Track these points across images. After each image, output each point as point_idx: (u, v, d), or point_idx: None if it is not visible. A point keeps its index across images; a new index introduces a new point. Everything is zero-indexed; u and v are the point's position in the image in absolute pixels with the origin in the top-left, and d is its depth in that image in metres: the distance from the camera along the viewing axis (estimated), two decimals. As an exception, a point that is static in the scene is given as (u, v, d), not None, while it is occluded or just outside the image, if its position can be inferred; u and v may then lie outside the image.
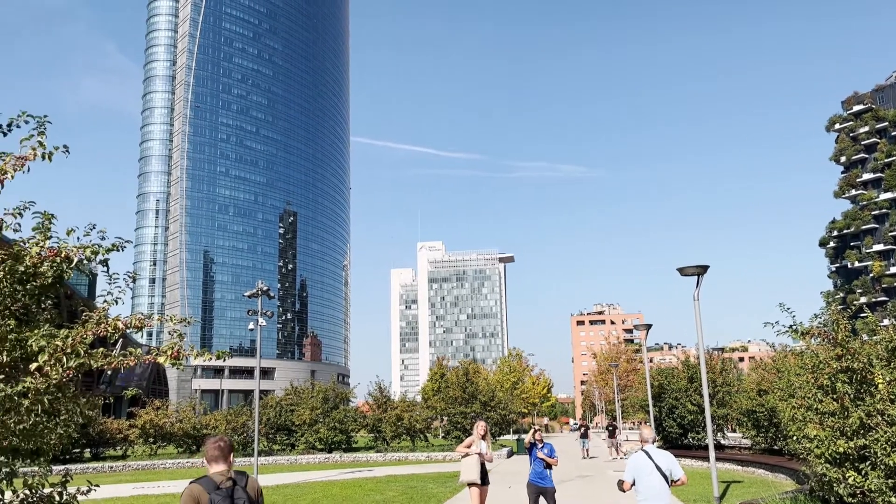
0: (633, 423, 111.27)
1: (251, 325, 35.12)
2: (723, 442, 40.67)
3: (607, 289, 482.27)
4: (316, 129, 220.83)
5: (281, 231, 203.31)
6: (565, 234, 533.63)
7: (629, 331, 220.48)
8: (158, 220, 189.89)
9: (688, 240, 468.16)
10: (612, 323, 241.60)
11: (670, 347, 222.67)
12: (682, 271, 17.98)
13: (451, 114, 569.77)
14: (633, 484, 9.61)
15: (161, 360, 6.81)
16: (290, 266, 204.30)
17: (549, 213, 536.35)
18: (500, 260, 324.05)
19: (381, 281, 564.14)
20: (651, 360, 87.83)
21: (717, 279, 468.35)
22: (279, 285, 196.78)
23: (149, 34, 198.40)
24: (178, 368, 7.20)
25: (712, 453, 18.45)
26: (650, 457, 9.58)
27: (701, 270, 17.77)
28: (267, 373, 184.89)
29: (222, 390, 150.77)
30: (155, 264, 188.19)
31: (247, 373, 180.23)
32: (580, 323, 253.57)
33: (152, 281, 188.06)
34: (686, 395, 37.71)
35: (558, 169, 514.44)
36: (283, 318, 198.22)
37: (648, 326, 33.65)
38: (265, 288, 29.62)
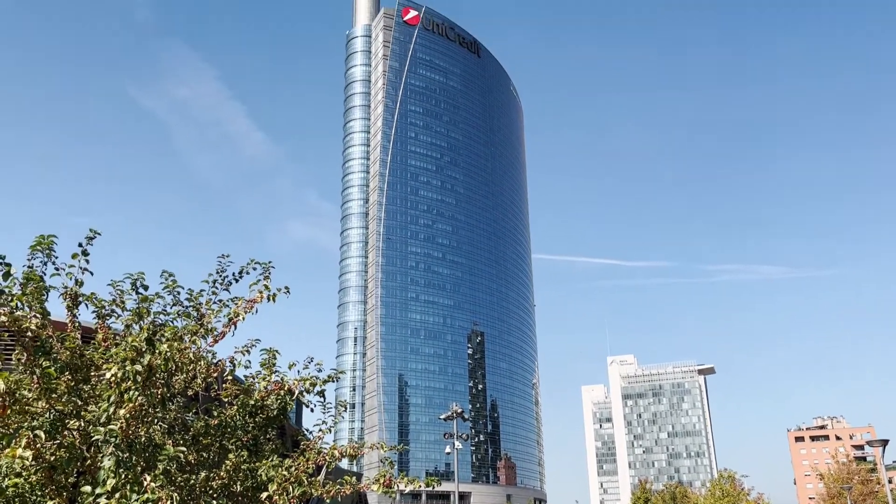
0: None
1: (448, 449, 35.30)
2: None
3: (827, 400, 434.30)
4: (498, 250, 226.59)
5: (469, 352, 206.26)
6: (771, 340, 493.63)
7: (860, 447, 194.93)
8: (357, 347, 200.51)
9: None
10: (838, 438, 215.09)
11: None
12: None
13: (632, 223, 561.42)
14: None
15: (375, 488, 7.04)
16: (479, 386, 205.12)
17: (750, 318, 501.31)
18: (700, 372, 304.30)
19: (571, 399, 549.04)
20: (891, 481, 75.99)
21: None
22: (470, 406, 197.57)
23: (344, 177, 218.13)
24: (389, 497, 7.36)
25: None
26: None
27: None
28: (463, 497, 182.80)
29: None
30: (354, 390, 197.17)
31: (443, 497, 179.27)
32: (799, 439, 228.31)
33: (352, 406, 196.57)
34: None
35: (756, 271, 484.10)
36: (476, 440, 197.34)
37: (885, 442, 29.59)
38: (459, 410, 29.90)
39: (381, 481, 6.90)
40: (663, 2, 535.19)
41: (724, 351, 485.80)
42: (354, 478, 7.02)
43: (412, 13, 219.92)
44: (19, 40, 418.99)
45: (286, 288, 8.50)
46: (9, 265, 7.23)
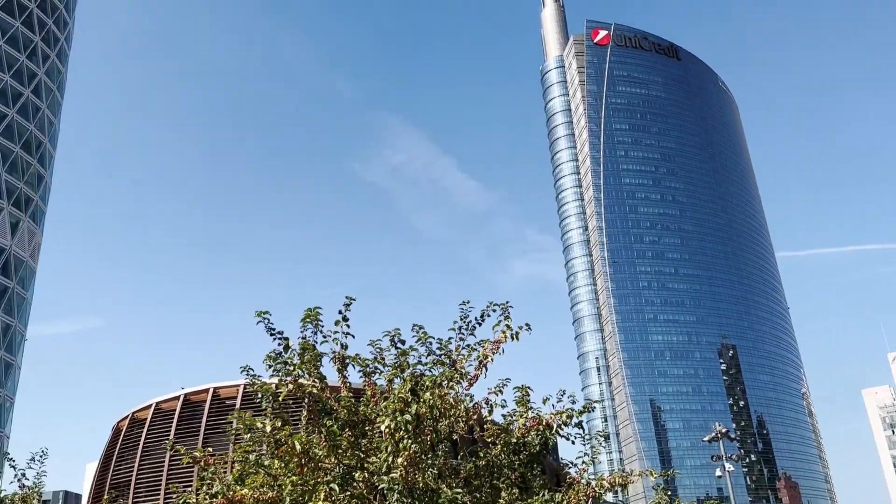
0: None
1: (718, 472, 33.17)
2: None
3: None
4: (736, 255, 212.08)
5: (723, 367, 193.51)
6: None
7: None
8: (601, 377, 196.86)
9: None
10: None
11: None
12: None
13: (878, 201, 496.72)
14: None
15: (650, 516, 6.88)
16: (741, 403, 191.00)
17: None
18: None
19: (851, 405, 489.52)
20: None
21: None
22: (734, 425, 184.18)
23: (560, 209, 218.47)
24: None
25: None
26: None
27: None
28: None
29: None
30: (605, 420, 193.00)
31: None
32: None
33: (606, 437, 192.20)
34: None
35: None
36: (747, 460, 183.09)
37: None
38: (724, 430, 28.10)
39: (656, 509, 6.70)
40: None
41: None
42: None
43: (602, 33, 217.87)
44: (249, 135, 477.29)
45: (527, 325, 8.71)
46: (286, 339, 8.25)
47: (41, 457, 15.28)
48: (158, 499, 35.19)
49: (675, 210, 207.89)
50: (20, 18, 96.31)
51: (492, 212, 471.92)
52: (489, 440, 8.43)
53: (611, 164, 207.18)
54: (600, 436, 8.53)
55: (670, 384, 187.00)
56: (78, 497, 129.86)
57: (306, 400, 7.92)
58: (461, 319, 8.78)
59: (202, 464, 7.76)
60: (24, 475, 14.79)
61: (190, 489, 8.35)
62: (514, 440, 8.15)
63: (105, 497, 30.02)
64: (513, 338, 8.53)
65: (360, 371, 8.74)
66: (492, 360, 8.38)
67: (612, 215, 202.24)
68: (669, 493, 6.95)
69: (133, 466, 38.24)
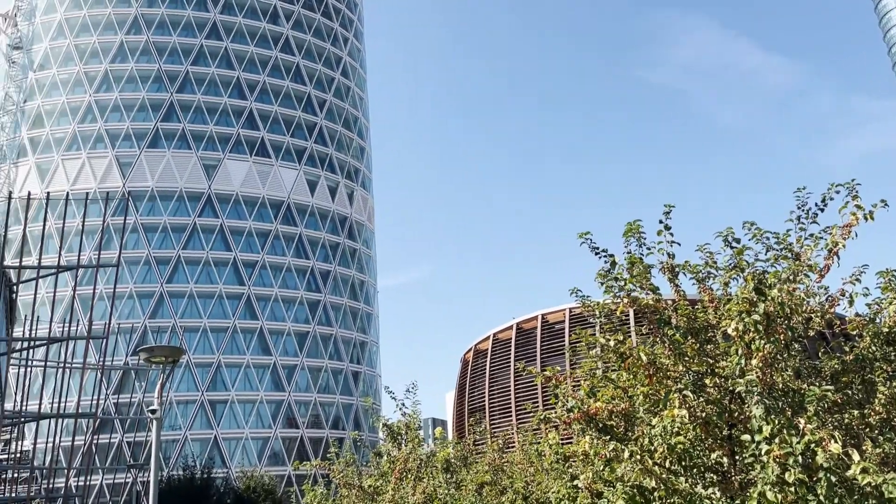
0: None
1: None
2: None
3: None
4: None
5: None
6: None
7: None
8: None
9: None
10: None
11: None
12: None
13: None
14: None
15: None
16: None
17: None
18: None
19: None
20: None
21: None
22: None
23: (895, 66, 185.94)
24: None
25: None
26: None
27: None
28: None
29: None
30: None
31: None
32: None
33: None
34: None
35: None
36: None
37: None
38: None
39: None
40: None
41: None
42: None
43: None
44: (534, 60, 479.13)
45: (883, 202, 7.66)
46: (612, 255, 8.30)
47: (413, 388, 17.61)
48: (510, 418, 38.51)
49: None
50: (319, 11, 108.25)
51: (806, 87, 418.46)
52: (854, 333, 7.67)
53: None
54: None
55: None
56: (444, 422, 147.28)
57: (634, 313, 7.92)
58: (799, 208, 8.03)
59: (554, 381, 8.23)
60: (403, 405, 17.19)
61: (537, 407, 8.93)
62: (887, 329, 7.29)
63: (469, 420, 33.68)
64: (866, 218, 7.57)
65: (692, 278, 8.49)
66: (843, 246, 7.53)
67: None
68: None
69: (484, 392, 42.33)
